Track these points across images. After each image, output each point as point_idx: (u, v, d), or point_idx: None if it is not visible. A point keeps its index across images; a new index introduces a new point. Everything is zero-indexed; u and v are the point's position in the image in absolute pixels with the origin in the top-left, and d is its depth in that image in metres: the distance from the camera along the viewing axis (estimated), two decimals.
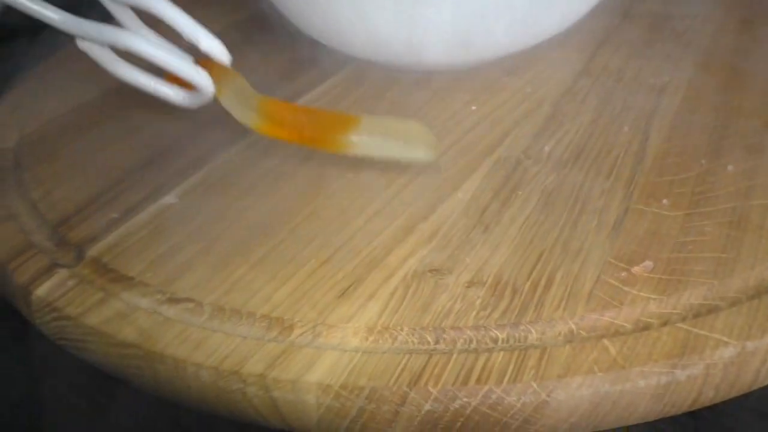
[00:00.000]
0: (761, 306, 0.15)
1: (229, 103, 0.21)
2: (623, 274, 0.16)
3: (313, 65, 0.28)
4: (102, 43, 0.21)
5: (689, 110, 0.23)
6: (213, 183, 0.22)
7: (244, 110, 0.20)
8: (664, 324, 0.15)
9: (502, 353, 0.14)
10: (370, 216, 0.19)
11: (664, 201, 0.19)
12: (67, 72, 0.30)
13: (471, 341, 0.15)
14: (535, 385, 0.13)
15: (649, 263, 0.16)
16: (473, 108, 0.24)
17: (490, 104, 0.24)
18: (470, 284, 0.17)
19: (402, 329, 0.15)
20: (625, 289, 0.16)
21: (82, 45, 0.22)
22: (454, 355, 0.14)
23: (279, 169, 0.22)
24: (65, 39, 0.22)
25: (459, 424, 0.14)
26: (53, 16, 0.21)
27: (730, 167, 0.20)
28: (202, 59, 0.21)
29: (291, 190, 0.21)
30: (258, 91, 0.21)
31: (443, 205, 0.19)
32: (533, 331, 0.15)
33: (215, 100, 0.21)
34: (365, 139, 0.19)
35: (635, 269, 0.16)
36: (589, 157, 0.21)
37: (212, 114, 0.22)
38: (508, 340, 0.15)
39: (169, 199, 0.21)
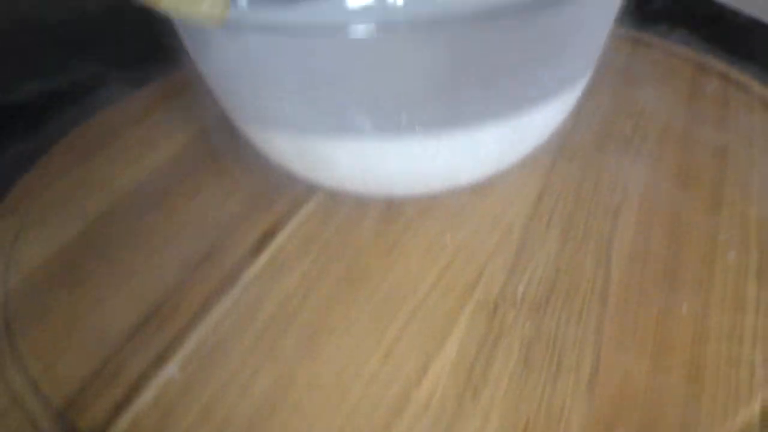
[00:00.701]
0: None
1: None
2: None
3: (283, 194, 0.29)
4: None
5: (643, 237, 0.25)
6: (211, 349, 0.23)
7: None
8: None
9: None
10: (366, 382, 0.21)
11: (630, 353, 0.21)
12: (42, 204, 0.30)
13: None
14: None
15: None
16: (448, 237, 0.26)
17: (463, 232, 0.26)
18: None
19: None
20: None
21: None
22: None
23: (270, 331, 0.23)
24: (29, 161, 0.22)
25: None
26: None
27: (684, 306, 0.22)
28: None
29: (287, 355, 0.22)
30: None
31: (433, 364, 0.21)
32: None
33: None
34: None
35: None
36: (559, 297, 0.23)
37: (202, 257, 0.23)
38: None
39: (171, 370, 0.22)
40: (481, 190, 0.28)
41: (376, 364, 0.21)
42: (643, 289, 0.23)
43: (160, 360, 0.22)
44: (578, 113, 0.29)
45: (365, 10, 0.21)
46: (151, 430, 0.20)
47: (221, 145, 0.32)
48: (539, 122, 0.24)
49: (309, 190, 0.28)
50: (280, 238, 0.27)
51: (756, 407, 0.19)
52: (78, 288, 0.26)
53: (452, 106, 0.22)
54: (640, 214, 0.26)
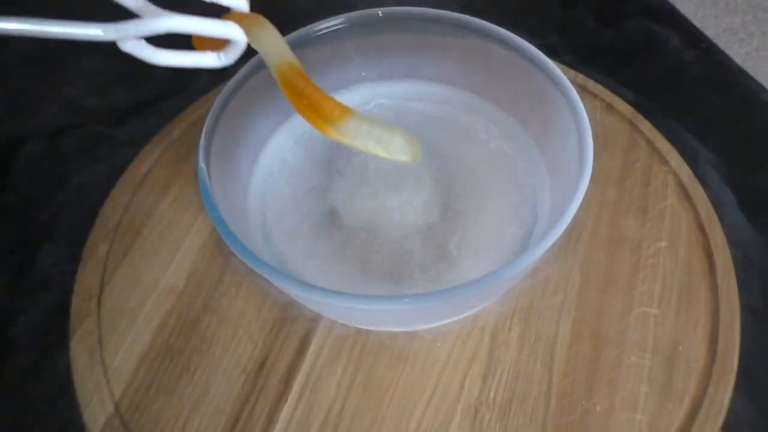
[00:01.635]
0: None
1: (259, 47, 0.25)
2: None
3: (292, 323, 0.37)
4: (142, 36, 0.22)
5: (576, 340, 0.36)
6: None
7: (269, 58, 0.25)
8: None
9: None
10: None
11: None
12: (108, 311, 0.38)
13: None
14: None
15: None
16: (438, 345, 0.36)
17: (447, 344, 0.36)
18: None
19: None
20: None
21: (125, 47, 0.23)
22: None
23: None
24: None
25: None
26: (96, 31, 0.21)
27: (598, 407, 0.34)
28: (226, 16, 0.25)
29: None
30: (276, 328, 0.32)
31: None
32: None
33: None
34: (353, 134, 0.24)
35: None
36: (518, 401, 0.34)
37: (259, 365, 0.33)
38: None
39: None
40: None
41: None
42: (573, 391, 0.34)
43: None
44: None
45: None
46: None
47: None
48: None
49: (309, 319, 0.37)
50: (314, 347, 0.36)
51: None
52: (171, 397, 0.35)
53: None
54: (576, 316, 0.36)
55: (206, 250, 0.41)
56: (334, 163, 0.39)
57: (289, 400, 0.35)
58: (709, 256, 0.38)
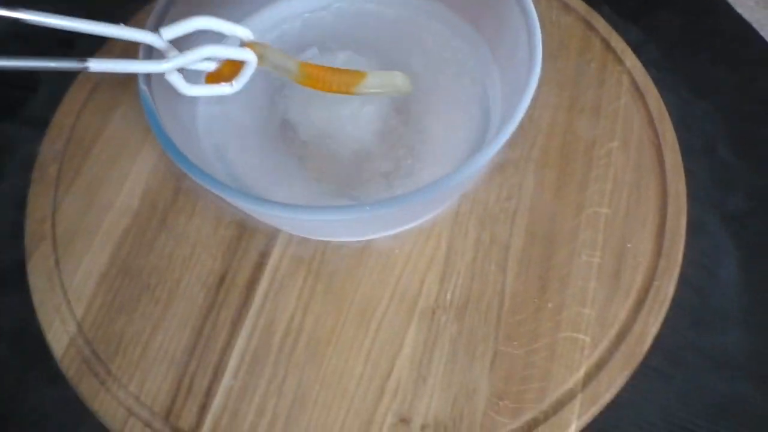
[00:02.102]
0: (561, 422, 0.32)
1: (270, 67, 0.31)
2: (497, 406, 0.33)
3: (250, 238, 0.38)
4: (186, 65, 0.28)
5: (529, 242, 0.37)
6: (249, 361, 0.34)
7: (285, 71, 0.31)
8: None
9: None
10: (357, 381, 0.34)
11: (515, 342, 0.34)
12: (65, 230, 0.38)
13: None
14: None
15: (506, 402, 0.33)
16: (396, 252, 0.37)
17: (407, 246, 0.37)
18: (423, 427, 0.33)
19: None
20: (497, 418, 0.33)
21: (169, 77, 0.28)
22: None
23: (286, 346, 0.35)
24: None
25: None
26: (155, 66, 0.27)
27: (549, 304, 0.35)
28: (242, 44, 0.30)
29: (302, 363, 0.34)
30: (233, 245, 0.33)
31: (397, 362, 0.34)
32: None
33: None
34: (370, 88, 0.33)
35: (501, 403, 0.33)
36: (473, 301, 0.35)
37: (219, 279, 0.34)
38: None
39: (228, 381, 0.34)
40: None
41: (360, 366, 0.34)
42: (526, 290, 0.35)
43: (218, 373, 0.34)
44: None
45: None
46: (227, 427, 0.33)
47: None
48: None
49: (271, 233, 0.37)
50: (273, 260, 0.37)
51: (581, 373, 0.33)
52: (134, 315, 0.36)
53: None
54: (529, 218, 0.37)
55: (159, 169, 0.40)
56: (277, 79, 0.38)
57: (250, 311, 0.35)
58: (659, 154, 0.39)
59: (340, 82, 0.33)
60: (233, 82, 0.31)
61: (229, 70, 0.31)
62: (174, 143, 0.29)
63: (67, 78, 0.43)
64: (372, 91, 0.34)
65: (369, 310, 0.35)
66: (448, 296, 0.35)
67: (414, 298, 0.35)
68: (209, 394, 0.34)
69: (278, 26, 0.41)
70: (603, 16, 0.44)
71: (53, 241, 0.38)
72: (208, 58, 0.29)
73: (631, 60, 0.42)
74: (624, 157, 0.39)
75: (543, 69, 0.31)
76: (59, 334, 0.36)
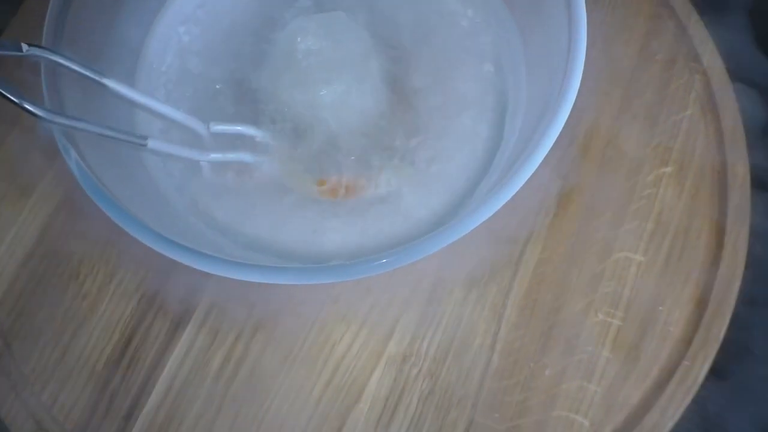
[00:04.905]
0: None
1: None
2: None
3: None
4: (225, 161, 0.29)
5: (536, 285, 0.29)
6: (177, 391, 0.29)
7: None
8: None
9: None
10: (302, 428, 0.28)
11: (496, 414, 0.28)
12: None
13: None
14: None
15: None
16: (368, 279, 0.30)
17: (380, 283, 0.30)
18: None
19: None
20: None
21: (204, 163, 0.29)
22: None
23: (223, 378, 0.29)
24: None
25: None
26: (198, 156, 0.28)
27: (547, 371, 0.29)
28: None
29: (240, 397, 0.29)
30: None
31: (350, 417, 0.28)
32: None
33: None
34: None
35: None
36: (455, 353, 0.29)
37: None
38: None
39: (152, 406, 0.29)
40: None
41: (306, 415, 0.28)
42: (523, 347, 0.29)
43: (142, 395, 0.29)
44: None
45: None
46: None
47: None
48: None
49: None
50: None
51: None
52: (58, 309, 0.31)
53: None
54: (541, 255, 0.30)
55: None
56: (250, 44, 0.30)
57: (188, 326, 0.30)
58: (722, 192, 0.30)
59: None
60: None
61: None
62: (105, 194, 0.23)
63: None
64: None
65: (327, 346, 0.29)
66: (425, 343, 0.29)
67: (383, 339, 0.29)
68: (129, 418, 0.29)
69: None
70: None
71: None
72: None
73: (711, 57, 0.32)
74: (676, 189, 0.30)
75: (590, 56, 0.23)
76: None
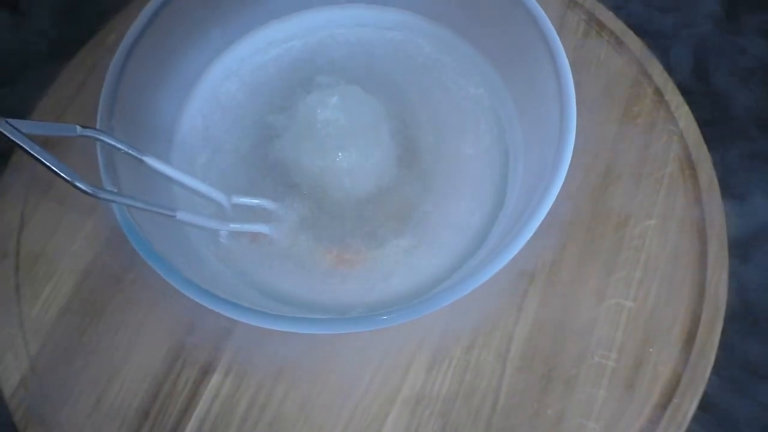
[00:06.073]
0: None
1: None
2: None
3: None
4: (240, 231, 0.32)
5: (538, 331, 0.32)
6: (214, 425, 0.31)
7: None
8: None
9: None
10: None
11: None
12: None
13: None
14: None
15: None
16: (382, 330, 0.33)
17: (391, 331, 0.32)
18: None
19: None
20: None
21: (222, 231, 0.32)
22: None
23: (247, 423, 0.31)
24: None
25: None
26: (218, 227, 0.31)
27: (549, 411, 0.31)
28: None
29: None
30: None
31: None
32: None
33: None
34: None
35: None
36: (463, 396, 0.31)
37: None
38: None
39: None
40: None
41: None
42: (526, 389, 0.31)
43: None
44: None
45: None
46: None
47: None
48: None
49: None
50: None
51: None
52: (92, 359, 0.33)
53: None
54: (540, 302, 0.32)
55: None
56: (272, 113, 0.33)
57: (215, 374, 0.32)
58: (702, 242, 0.33)
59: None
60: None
61: None
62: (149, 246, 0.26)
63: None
64: None
65: (344, 392, 0.31)
66: (436, 386, 0.31)
67: (398, 384, 0.31)
68: None
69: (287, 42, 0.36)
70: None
71: (16, 262, 0.35)
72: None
73: (687, 120, 0.36)
74: (660, 240, 0.34)
75: (578, 121, 0.27)
76: (10, 371, 0.33)
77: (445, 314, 0.32)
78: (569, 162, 0.26)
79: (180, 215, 0.28)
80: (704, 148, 0.35)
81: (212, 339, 0.32)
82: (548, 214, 0.30)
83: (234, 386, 0.32)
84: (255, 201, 0.32)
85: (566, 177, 0.32)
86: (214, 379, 0.32)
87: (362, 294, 0.31)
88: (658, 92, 0.37)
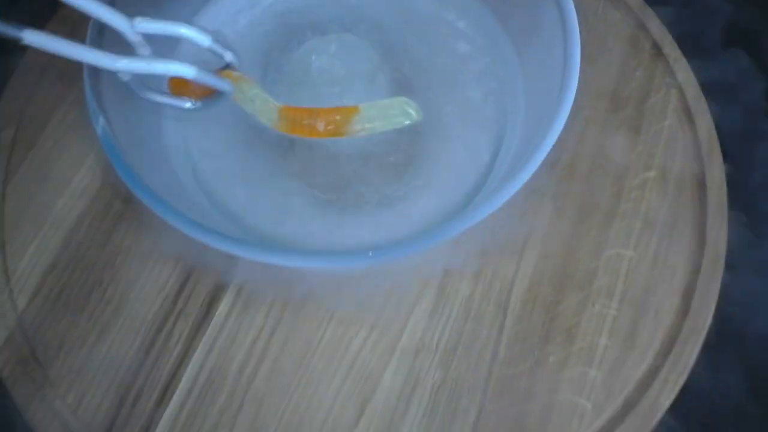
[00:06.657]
0: None
1: (248, 107, 0.27)
2: None
3: None
4: (149, 73, 0.23)
5: (538, 280, 0.32)
6: (204, 382, 0.30)
7: (264, 115, 0.27)
8: None
9: None
10: (320, 423, 0.30)
11: (505, 400, 0.30)
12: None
13: None
14: None
15: None
16: (383, 278, 0.32)
17: (394, 272, 0.32)
18: None
19: None
20: None
21: (124, 77, 0.24)
22: None
23: (248, 368, 0.31)
24: None
25: None
26: (108, 62, 0.22)
27: (551, 358, 0.31)
28: (220, 71, 0.27)
29: (261, 391, 0.30)
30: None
31: (368, 408, 0.30)
32: None
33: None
34: (366, 123, 0.27)
35: None
36: (464, 346, 0.31)
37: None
38: None
39: (176, 404, 0.30)
40: None
41: (325, 408, 0.30)
42: (527, 338, 0.31)
43: (165, 394, 0.30)
44: None
45: None
46: None
47: None
48: None
49: None
50: (241, 271, 0.32)
51: None
52: (81, 315, 0.32)
53: None
54: (540, 253, 0.32)
55: None
56: (269, 59, 0.33)
57: (209, 328, 0.31)
58: (701, 193, 0.33)
59: (328, 121, 0.27)
60: (198, 101, 0.27)
61: (200, 86, 0.26)
62: (132, 172, 0.24)
63: None
64: (376, 126, 0.28)
65: (344, 342, 0.31)
66: (436, 336, 0.31)
67: (397, 334, 0.31)
68: (153, 418, 0.30)
69: None
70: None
71: (1, 219, 0.34)
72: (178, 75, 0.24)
73: (685, 73, 0.36)
74: (660, 191, 0.33)
75: (578, 73, 0.26)
76: None
77: (444, 263, 0.32)
78: (571, 103, 0.26)
79: (29, 37, 0.20)
80: (703, 101, 0.35)
81: (203, 299, 0.32)
82: (548, 164, 0.29)
83: (229, 339, 0.31)
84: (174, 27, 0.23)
85: (565, 127, 0.31)
86: (209, 330, 0.31)
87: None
88: (656, 46, 0.37)
